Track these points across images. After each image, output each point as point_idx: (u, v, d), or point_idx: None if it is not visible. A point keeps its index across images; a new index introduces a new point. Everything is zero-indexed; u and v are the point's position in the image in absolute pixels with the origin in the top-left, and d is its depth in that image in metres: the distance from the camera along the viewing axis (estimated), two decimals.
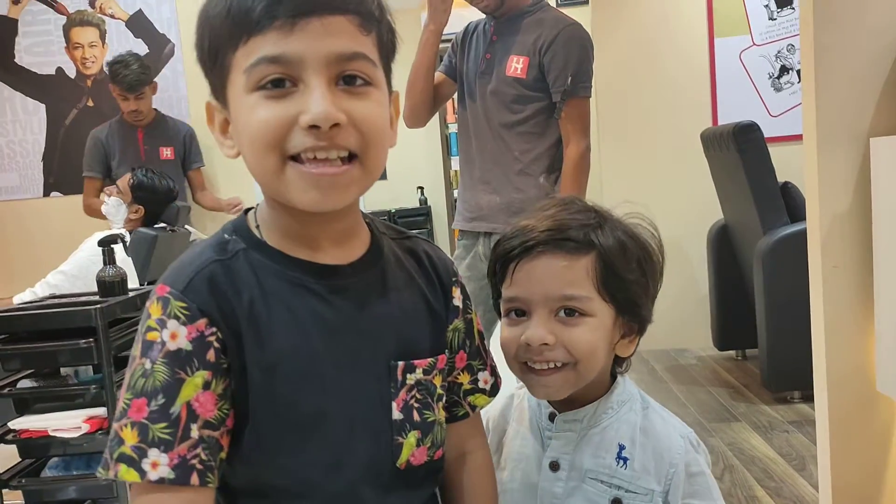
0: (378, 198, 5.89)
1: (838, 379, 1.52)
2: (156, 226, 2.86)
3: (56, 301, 2.01)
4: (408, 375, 0.78)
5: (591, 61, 2.05)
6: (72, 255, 2.56)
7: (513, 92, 2.08)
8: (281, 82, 0.67)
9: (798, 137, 3.53)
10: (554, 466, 0.83)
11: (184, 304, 0.69)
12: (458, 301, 0.84)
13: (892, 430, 1.52)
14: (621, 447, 0.81)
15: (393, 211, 6.11)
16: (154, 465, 0.66)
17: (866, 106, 1.45)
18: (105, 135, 3.70)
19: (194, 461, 0.68)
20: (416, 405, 0.79)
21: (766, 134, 3.11)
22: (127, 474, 0.66)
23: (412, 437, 0.78)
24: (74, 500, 1.88)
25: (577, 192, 2.02)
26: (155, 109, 3.79)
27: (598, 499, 0.80)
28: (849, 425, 1.52)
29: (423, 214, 6.17)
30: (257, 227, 0.77)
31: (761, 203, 3.09)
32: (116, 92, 3.60)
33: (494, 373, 0.88)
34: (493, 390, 0.88)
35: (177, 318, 0.69)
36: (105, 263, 1.96)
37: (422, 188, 6.24)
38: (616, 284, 0.80)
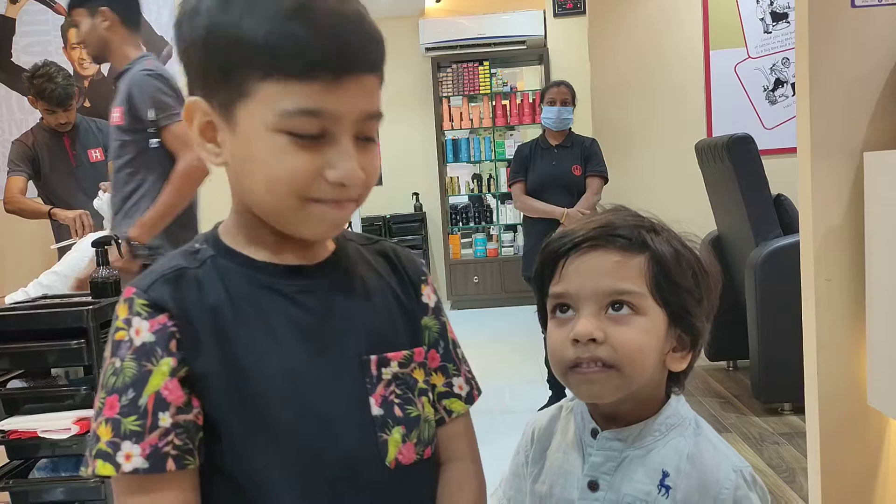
0: (373, 203, 5.90)
1: (829, 392, 1.52)
2: None
3: (48, 301, 2.00)
4: (383, 370, 0.78)
5: (164, 92, 2.31)
6: (65, 255, 2.55)
7: (116, 140, 2.38)
8: (314, 135, 0.69)
9: (792, 150, 3.55)
10: (593, 486, 0.78)
11: (146, 301, 0.71)
12: (428, 299, 0.85)
13: (882, 445, 1.53)
14: (665, 474, 0.75)
15: (388, 217, 6.12)
16: (127, 456, 0.68)
17: (860, 120, 1.46)
18: (31, 142, 3.57)
19: (167, 448, 0.69)
20: (396, 400, 0.78)
21: (760, 146, 3.13)
22: (103, 469, 0.68)
23: (396, 433, 0.77)
24: (62, 502, 1.87)
25: (177, 198, 2.24)
26: (76, 113, 3.61)
27: None
28: (839, 439, 1.53)
29: (417, 220, 6.18)
30: (219, 235, 0.79)
31: (754, 215, 3.10)
32: (42, 107, 3.39)
33: (471, 383, 0.87)
34: (470, 399, 0.87)
35: (139, 314, 0.71)
36: (98, 265, 1.95)
37: (417, 194, 6.25)
38: (670, 289, 0.75)
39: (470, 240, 6.20)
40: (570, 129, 3.64)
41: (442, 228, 6.21)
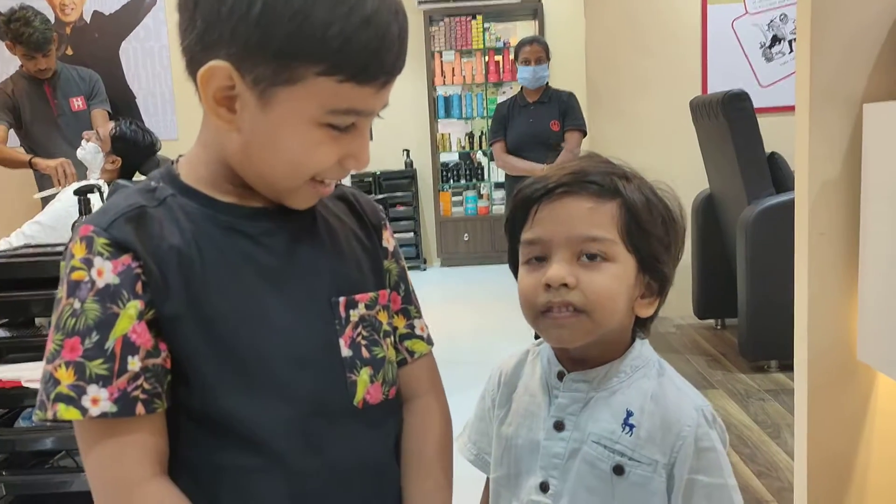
0: None
1: (819, 346, 1.52)
2: (134, 179, 2.80)
3: (30, 251, 1.97)
4: (351, 311, 0.79)
5: None
6: (48, 205, 2.51)
7: None
8: (346, 127, 0.72)
9: (787, 109, 3.52)
10: (558, 426, 0.80)
11: (107, 241, 0.69)
12: (387, 243, 0.87)
13: (869, 399, 1.53)
14: (629, 413, 0.77)
15: (378, 173, 6.06)
16: (94, 400, 0.67)
17: (861, 71, 1.43)
18: (11, 90, 3.48)
19: (136, 392, 0.69)
20: (363, 342, 0.80)
21: (756, 104, 3.09)
22: (66, 413, 0.67)
23: (364, 373, 0.79)
24: (49, 451, 1.86)
25: None
26: (58, 60, 3.54)
27: (600, 463, 0.77)
28: (828, 393, 1.53)
29: (408, 177, 6.13)
30: (179, 175, 0.77)
31: (748, 172, 3.08)
32: (20, 52, 3.32)
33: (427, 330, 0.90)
34: (430, 340, 0.90)
35: (101, 254, 0.69)
36: (80, 213, 1.92)
37: (408, 151, 6.18)
38: (640, 236, 0.76)
39: (461, 197, 6.17)
40: (547, 83, 3.60)
41: (433, 186, 6.16)
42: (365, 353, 0.79)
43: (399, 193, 6.03)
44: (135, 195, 0.74)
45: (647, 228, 0.76)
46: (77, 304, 0.68)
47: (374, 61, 0.68)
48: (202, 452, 0.73)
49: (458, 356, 3.35)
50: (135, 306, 0.69)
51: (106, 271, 0.68)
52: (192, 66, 0.70)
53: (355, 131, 0.72)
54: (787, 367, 3.12)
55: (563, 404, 0.80)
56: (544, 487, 0.80)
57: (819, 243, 1.51)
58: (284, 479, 0.74)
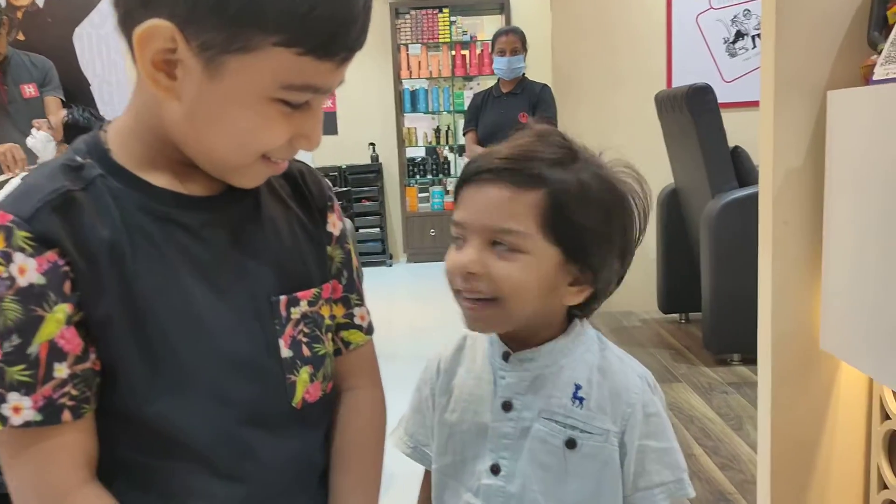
0: (328, 154, 5.76)
1: (783, 336, 1.51)
2: None
3: None
4: (292, 310, 0.74)
5: None
6: None
7: None
8: (300, 104, 0.67)
9: (750, 104, 3.54)
10: (507, 406, 0.79)
11: (28, 234, 0.62)
12: (333, 228, 0.81)
13: (832, 388, 1.53)
14: (577, 387, 0.77)
15: (343, 167, 5.99)
16: (16, 409, 0.62)
17: (825, 58, 1.42)
18: None
19: (63, 399, 0.64)
20: (304, 339, 0.75)
21: (719, 99, 3.11)
22: None
23: (304, 372, 0.75)
24: None
25: None
26: (8, 46, 3.44)
27: (552, 439, 0.77)
28: (791, 382, 1.53)
29: (374, 171, 6.07)
30: (108, 150, 0.70)
31: (711, 165, 3.09)
32: None
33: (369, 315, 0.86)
34: (370, 329, 0.86)
35: (22, 249, 0.62)
36: None
37: (373, 145, 6.12)
38: (564, 227, 0.73)
39: (427, 193, 6.13)
40: (524, 75, 3.59)
41: (399, 180, 6.11)
42: (305, 351, 0.75)
43: (365, 188, 5.96)
44: (59, 175, 0.66)
45: (574, 219, 0.73)
46: None
47: (338, 35, 0.63)
48: (135, 454, 0.69)
49: (424, 351, 3.28)
50: (63, 310, 0.63)
51: (29, 269, 0.62)
52: (128, 22, 0.63)
53: (308, 110, 0.67)
54: (750, 360, 3.13)
55: (511, 384, 0.80)
56: (495, 469, 0.79)
57: (783, 232, 1.50)
58: (219, 484, 0.70)
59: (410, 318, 4.43)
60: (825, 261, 1.48)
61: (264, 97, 0.64)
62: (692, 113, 3.06)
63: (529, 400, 0.78)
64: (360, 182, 5.97)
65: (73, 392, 0.64)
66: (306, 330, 0.75)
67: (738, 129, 3.28)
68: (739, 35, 3.82)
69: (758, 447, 1.62)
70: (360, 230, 5.88)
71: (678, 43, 3.87)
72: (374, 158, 6.12)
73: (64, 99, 3.55)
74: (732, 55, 3.85)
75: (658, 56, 3.92)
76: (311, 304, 0.76)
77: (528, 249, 0.73)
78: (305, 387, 0.74)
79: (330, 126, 5.99)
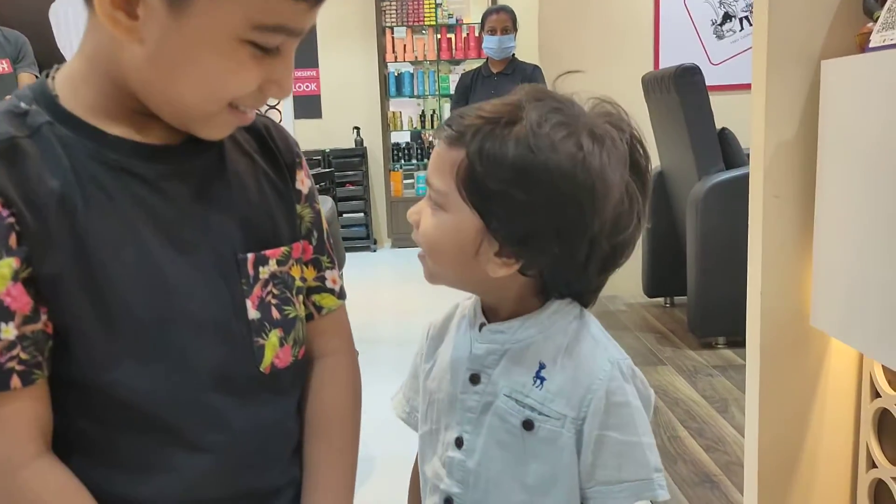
0: (311, 137, 5.68)
1: (772, 312, 1.48)
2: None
3: None
4: (260, 269, 0.70)
5: None
6: None
7: None
8: (271, 49, 0.62)
9: (737, 87, 3.51)
10: (474, 379, 0.75)
11: None
12: (301, 185, 0.77)
13: (822, 366, 1.51)
14: (542, 366, 0.73)
15: (327, 151, 5.92)
16: None
17: (819, 26, 1.39)
18: None
19: (12, 363, 0.59)
20: (273, 301, 0.71)
21: (707, 82, 3.07)
22: None
23: (273, 336, 0.71)
24: None
25: None
26: None
27: (510, 418, 0.73)
28: (780, 360, 1.50)
29: (358, 156, 6.00)
30: (56, 96, 0.65)
31: (698, 147, 3.07)
32: None
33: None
34: (342, 293, 0.82)
35: None
36: None
37: (358, 129, 6.04)
38: (477, 190, 0.68)
39: (412, 179, 6.07)
40: (514, 55, 3.54)
41: (383, 165, 6.05)
42: (275, 313, 0.71)
43: (349, 172, 5.89)
44: (3, 122, 0.61)
45: (484, 182, 0.68)
46: None
47: None
48: (93, 425, 0.64)
49: (409, 336, 3.29)
50: (8, 264, 0.58)
51: None
52: None
53: (279, 55, 0.63)
54: (735, 343, 3.13)
55: (479, 355, 0.76)
56: (459, 442, 0.76)
57: (774, 206, 1.47)
58: (185, 455, 0.65)
59: (395, 302, 4.38)
60: (816, 235, 1.45)
61: (234, 38, 0.59)
62: (679, 93, 3.03)
63: (497, 375, 0.74)
64: (345, 166, 5.90)
65: (23, 356, 0.59)
66: (276, 291, 0.71)
67: (725, 112, 3.26)
68: (727, 17, 3.79)
69: (745, 425, 1.59)
70: (344, 215, 5.81)
71: (665, 25, 3.83)
72: (359, 143, 6.05)
73: (38, 75, 3.45)
74: (720, 37, 3.82)
75: (645, 38, 3.88)
76: (280, 263, 0.72)
77: (448, 208, 0.71)
78: (275, 351, 0.70)
79: (314, 109, 5.91)
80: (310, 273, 0.79)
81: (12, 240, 0.58)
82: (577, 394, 0.71)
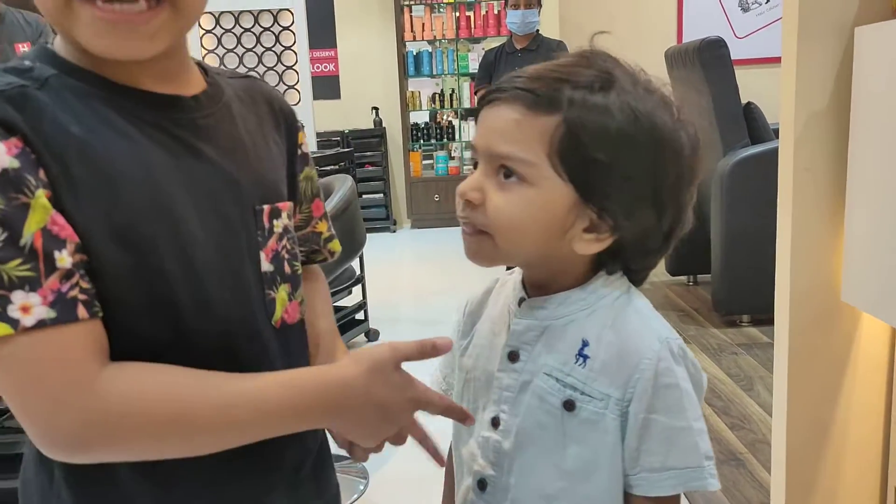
0: (330, 118, 5.67)
1: (802, 288, 1.45)
2: None
3: None
4: (275, 221, 0.71)
5: None
6: None
7: None
8: None
9: (764, 60, 3.44)
10: (513, 357, 0.72)
11: None
12: (306, 148, 0.81)
13: (853, 342, 1.48)
14: (584, 343, 0.68)
15: (346, 132, 5.90)
16: (25, 309, 0.54)
17: None
18: None
19: (74, 292, 0.56)
20: (286, 255, 0.72)
21: (732, 56, 3.01)
22: None
23: (283, 290, 0.71)
24: None
25: None
26: (2, 3, 3.36)
27: (550, 398, 0.69)
28: (810, 336, 1.47)
29: (377, 136, 5.98)
30: (57, 52, 0.63)
31: (723, 122, 3.01)
32: None
33: None
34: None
35: None
36: None
37: (377, 109, 6.02)
38: (578, 160, 0.64)
39: (431, 159, 6.04)
40: (538, 31, 3.49)
41: (402, 145, 6.02)
42: (287, 268, 0.72)
43: (368, 153, 5.88)
44: (8, 75, 0.59)
45: (589, 152, 0.63)
46: None
47: None
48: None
49: (428, 316, 3.27)
50: (44, 195, 0.56)
51: (0, 153, 0.55)
52: None
53: None
54: (760, 321, 3.09)
55: (518, 332, 0.72)
56: (495, 422, 0.73)
57: (804, 179, 1.43)
58: None
59: (414, 283, 4.38)
60: (848, 209, 1.41)
61: None
62: (704, 67, 2.97)
63: (537, 352, 0.71)
64: (364, 147, 5.89)
65: (83, 284, 0.57)
66: (288, 246, 0.73)
67: (750, 87, 3.20)
68: None
69: (773, 402, 1.57)
70: (364, 195, 5.80)
71: None
72: (378, 123, 6.03)
73: None
74: (745, 10, 3.74)
75: (669, 12, 3.81)
76: (289, 217, 0.74)
77: (534, 181, 0.65)
78: (284, 305, 0.71)
79: (333, 90, 5.89)
80: (322, 226, 0.86)
81: (41, 174, 0.56)
82: (623, 373, 0.67)
